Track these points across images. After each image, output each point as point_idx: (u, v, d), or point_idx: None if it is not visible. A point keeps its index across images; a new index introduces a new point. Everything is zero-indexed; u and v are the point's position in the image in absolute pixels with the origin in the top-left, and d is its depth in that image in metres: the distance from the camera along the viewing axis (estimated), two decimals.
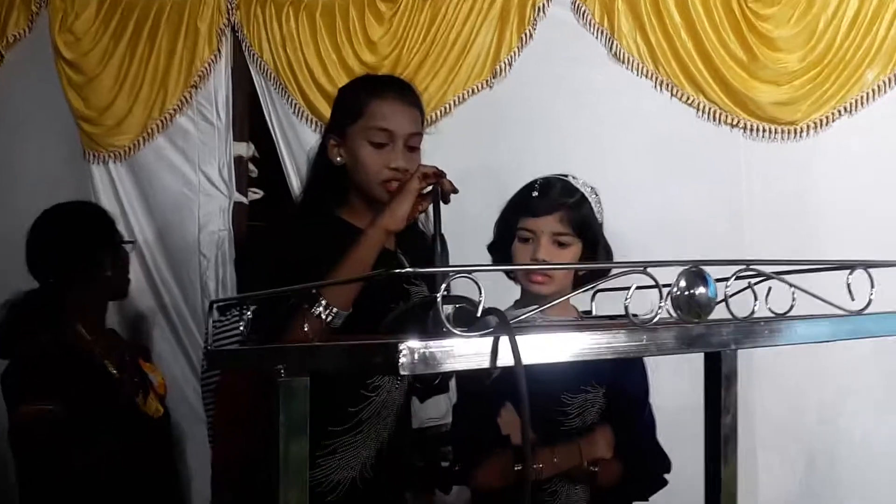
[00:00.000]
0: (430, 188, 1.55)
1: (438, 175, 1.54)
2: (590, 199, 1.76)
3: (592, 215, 1.76)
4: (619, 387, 1.79)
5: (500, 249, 1.77)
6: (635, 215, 2.59)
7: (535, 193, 1.72)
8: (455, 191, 1.53)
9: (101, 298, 2.40)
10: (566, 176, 1.77)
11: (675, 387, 2.40)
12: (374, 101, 1.65)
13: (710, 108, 2.63)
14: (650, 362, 1.83)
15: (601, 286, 1.16)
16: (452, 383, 2.02)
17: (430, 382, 1.85)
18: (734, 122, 2.62)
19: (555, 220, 1.71)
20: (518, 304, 1.78)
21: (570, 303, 1.79)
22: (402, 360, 0.78)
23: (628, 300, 0.91)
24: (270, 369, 0.98)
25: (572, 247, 1.73)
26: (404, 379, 1.73)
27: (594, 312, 1.48)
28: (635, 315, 0.93)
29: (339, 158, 1.68)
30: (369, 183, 1.65)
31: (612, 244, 1.80)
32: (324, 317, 1.46)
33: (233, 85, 3.08)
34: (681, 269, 0.95)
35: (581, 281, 1.76)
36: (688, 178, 2.65)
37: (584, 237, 1.74)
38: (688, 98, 2.64)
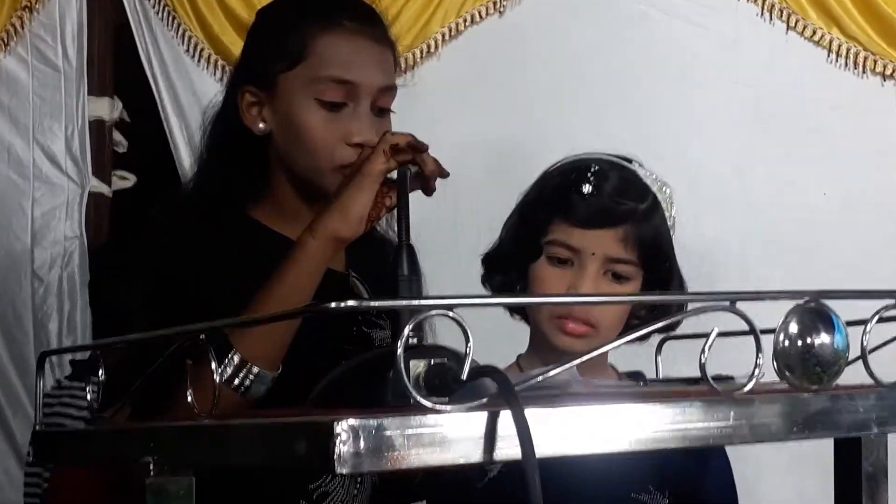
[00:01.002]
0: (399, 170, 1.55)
1: (416, 149, 1.53)
2: (662, 205, 1.75)
3: (665, 232, 1.75)
4: (691, 493, 1.78)
5: (509, 266, 1.77)
6: (726, 219, 2.59)
7: (588, 188, 1.69)
8: (443, 174, 1.53)
9: None
10: (630, 161, 1.76)
11: (785, 492, 2.40)
12: (324, 34, 1.64)
13: (849, 49, 2.64)
14: (739, 454, 1.83)
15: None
16: None
17: (406, 484, 1.85)
18: (888, 71, 2.63)
19: (615, 237, 1.68)
20: (526, 361, 1.78)
21: (609, 359, 1.79)
22: (341, 448, 0.77)
23: (706, 355, 0.90)
24: (133, 463, 0.97)
25: (632, 282, 1.71)
26: (364, 480, 1.72)
27: (661, 374, 1.48)
28: (720, 378, 0.93)
29: (261, 124, 1.67)
30: (317, 167, 1.63)
31: (687, 265, 1.79)
32: (238, 381, 1.46)
33: (89, 8, 3.09)
34: (791, 304, 0.95)
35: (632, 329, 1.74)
36: (812, 160, 2.66)
37: (650, 267, 1.72)
38: (814, 33, 2.66)
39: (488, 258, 1.80)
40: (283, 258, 1.52)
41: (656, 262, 1.72)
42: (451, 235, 2.44)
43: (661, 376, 1.52)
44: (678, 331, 1.36)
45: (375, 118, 1.66)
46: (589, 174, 1.70)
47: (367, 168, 1.51)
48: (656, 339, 1.48)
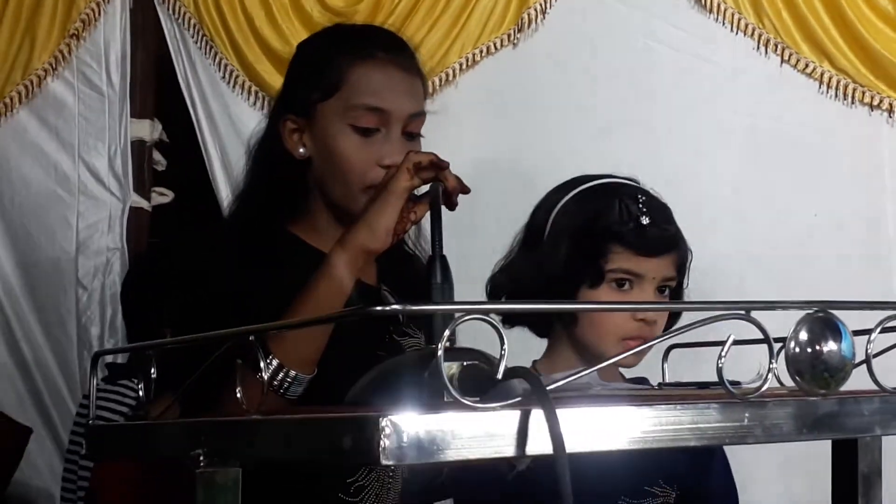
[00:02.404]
0: (425, 187, 1.55)
1: (438, 166, 1.53)
2: None
3: None
4: (697, 488, 1.80)
5: (559, 291, 1.71)
6: (726, 238, 2.59)
7: (646, 220, 1.70)
8: (465, 190, 1.52)
9: None
10: (636, 182, 1.77)
11: (782, 490, 2.39)
12: (359, 65, 1.65)
13: (839, 81, 2.64)
14: (738, 453, 1.84)
15: (676, 341, 1.15)
16: None
17: (425, 481, 1.84)
18: (875, 102, 2.63)
19: (671, 261, 1.73)
20: (544, 367, 1.77)
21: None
22: (385, 442, 0.77)
23: (723, 360, 0.90)
24: (183, 456, 0.96)
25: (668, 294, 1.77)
26: (396, 475, 1.71)
27: (667, 378, 1.48)
28: (734, 383, 0.93)
29: (301, 149, 1.68)
30: (348, 188, 1.64)
31: (692, 280, 1.81)
32: (276, 383, 1.46)
33: (132, 36, 3.10)
34: (802, 313, 0.94)
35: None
36: (805, 183, 2.66)
37: (680, 278, 1.77)
38: (807, 66, 2.66)
39: (515, 283, 1.76)
40: (316, 270, 1.53)
41: (683, 272, 1.78)
42: (467, 253, 2.45)
43: (667, 381, 1.52)
44: (685, 338, 1.37)
45: (406, 142, 1.66)
46: (640, 204, 1.71)
47: (392, 185, 1.52)
48: (663, 346, 1.49)
